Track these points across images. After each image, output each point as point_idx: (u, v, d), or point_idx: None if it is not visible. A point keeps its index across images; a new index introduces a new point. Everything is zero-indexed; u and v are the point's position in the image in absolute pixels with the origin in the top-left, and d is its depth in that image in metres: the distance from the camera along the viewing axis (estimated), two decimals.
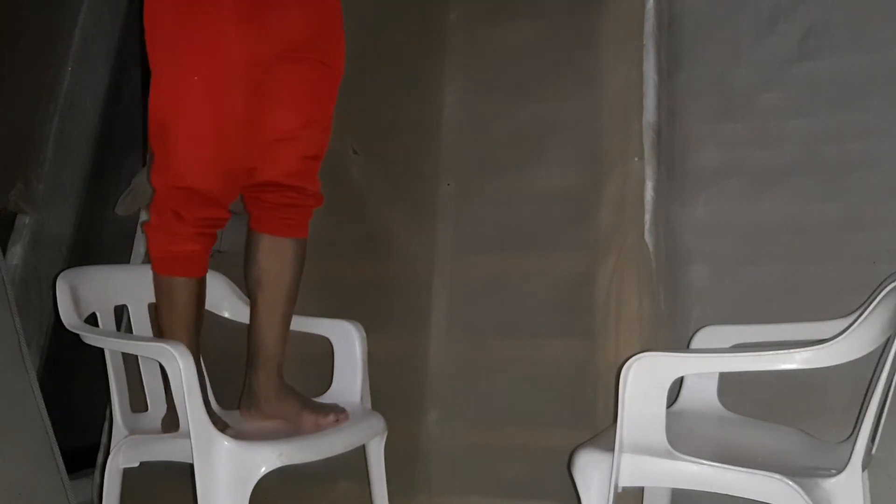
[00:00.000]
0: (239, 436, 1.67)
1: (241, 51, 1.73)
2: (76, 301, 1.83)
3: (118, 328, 2.03)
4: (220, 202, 1.82)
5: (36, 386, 2.09)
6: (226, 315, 2.08)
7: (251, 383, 1.93)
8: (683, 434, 1.59)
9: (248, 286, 1.96)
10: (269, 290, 1.92)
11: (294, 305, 1.95)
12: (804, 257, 2.07)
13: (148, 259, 2.39)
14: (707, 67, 2.24)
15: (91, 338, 1.78)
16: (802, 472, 1.44)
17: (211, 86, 1.72)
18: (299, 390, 1.95)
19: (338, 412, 1.84)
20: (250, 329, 1.95)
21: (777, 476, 1.38)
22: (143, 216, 2.50)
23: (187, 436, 1.63)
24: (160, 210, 1.81)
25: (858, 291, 1.82)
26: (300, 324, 2.04)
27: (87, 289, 1.88)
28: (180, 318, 1.82)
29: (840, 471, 1.43)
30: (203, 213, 1.79)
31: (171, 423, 1.79)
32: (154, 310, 1.91)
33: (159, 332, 1.86)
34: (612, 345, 2.04)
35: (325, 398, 1.98)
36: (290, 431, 1.79)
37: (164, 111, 1.76)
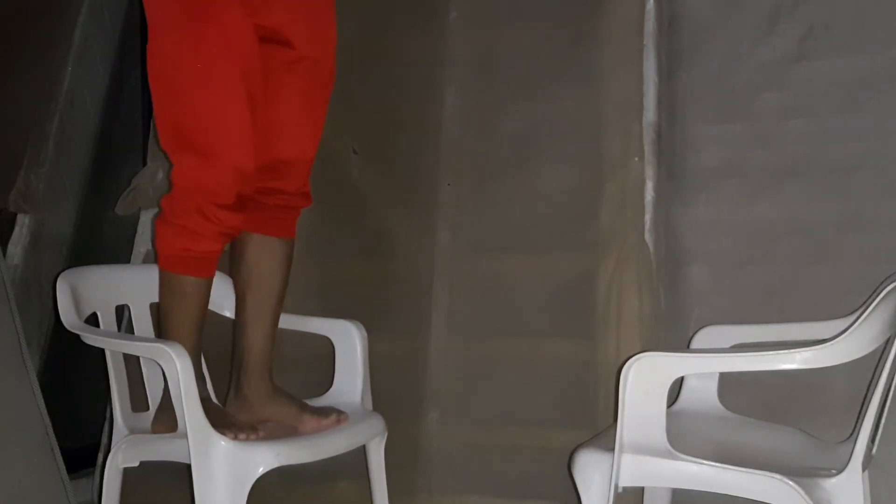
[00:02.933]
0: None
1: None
2: (76, 301, 1.82)
3: (119, 328, 2.03)
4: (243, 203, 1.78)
5: (36, 386, 2.09)
6: (227, 314, 2.06)
7: (240, 386, 1.88)
8: (683, 434, 1.59)
9: (235, 286, 1.93)
10: (260, 291, 1.89)
11: (282, 307, 1.93)
12: (804, 257, 2.07)
13: (149, 259, 2.43)
14: (707, 67, 2.24)
15: (91, 338, 1.78)
16: (802, 472, 1.44)
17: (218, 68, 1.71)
18: (296, 391, 1.94)
19: (338, 413, 1.83)
20: (238, 330, 1.91)
21: (777, 476, 1.38)
22: (144, 216, 2.51)
23: (185, 436, 1.63)
24: (186, 209, 1.73)
25: (858, 291, 1.82)
26: (301, 323, 2.04)
27: (88, 289, 1.87)
28: (190, 318, 1.79)
29: (840, 471, 1.43)
30: (230, 218, 1.75)
31: (166, 420, 1.77)
32: (157, 308, 1.88)
33: (162, 330, 1.82)
34: (612, 345, 2.04)
35: (326, 398, 1.98)
36: (290, 432, 1.79)
37: (175, 107, 1.74)
